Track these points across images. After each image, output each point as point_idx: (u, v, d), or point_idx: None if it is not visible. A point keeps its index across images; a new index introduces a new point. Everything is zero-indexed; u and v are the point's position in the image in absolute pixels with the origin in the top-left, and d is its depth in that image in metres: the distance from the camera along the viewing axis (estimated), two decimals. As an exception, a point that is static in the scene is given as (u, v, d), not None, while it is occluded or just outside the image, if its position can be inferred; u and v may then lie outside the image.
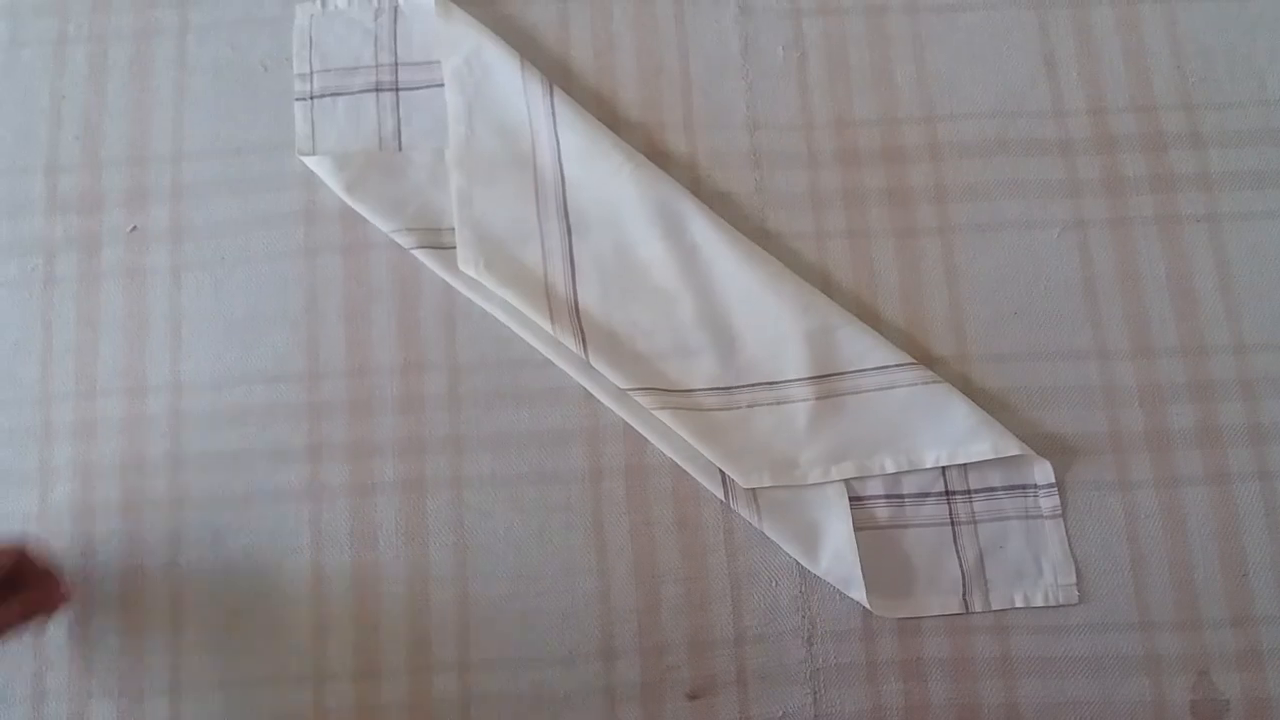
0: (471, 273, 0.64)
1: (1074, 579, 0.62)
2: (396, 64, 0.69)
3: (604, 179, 0.66)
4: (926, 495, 0.63)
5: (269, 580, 0.63)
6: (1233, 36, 0.71)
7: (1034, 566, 0.62)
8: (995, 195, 0.68)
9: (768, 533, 0.62)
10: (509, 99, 0.68)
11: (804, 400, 0.63)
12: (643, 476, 0.64)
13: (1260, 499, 0.64)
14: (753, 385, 0.64)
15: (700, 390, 0.64)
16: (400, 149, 0.68)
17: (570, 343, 0.63)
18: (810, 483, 0.63)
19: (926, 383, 0.63)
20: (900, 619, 0.62)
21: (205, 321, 0.67)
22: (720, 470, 0.63)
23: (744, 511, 0.63)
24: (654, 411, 0.63)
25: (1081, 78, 0.70)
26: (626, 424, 0.64)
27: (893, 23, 0.71)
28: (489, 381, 0.66)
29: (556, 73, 0.70)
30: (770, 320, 0.64)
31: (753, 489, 0.62)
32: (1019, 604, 0.62)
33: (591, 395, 0.65)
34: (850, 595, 0.61)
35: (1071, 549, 0.62)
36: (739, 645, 0.62)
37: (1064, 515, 0.63)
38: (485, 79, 0.68)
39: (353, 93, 0.69)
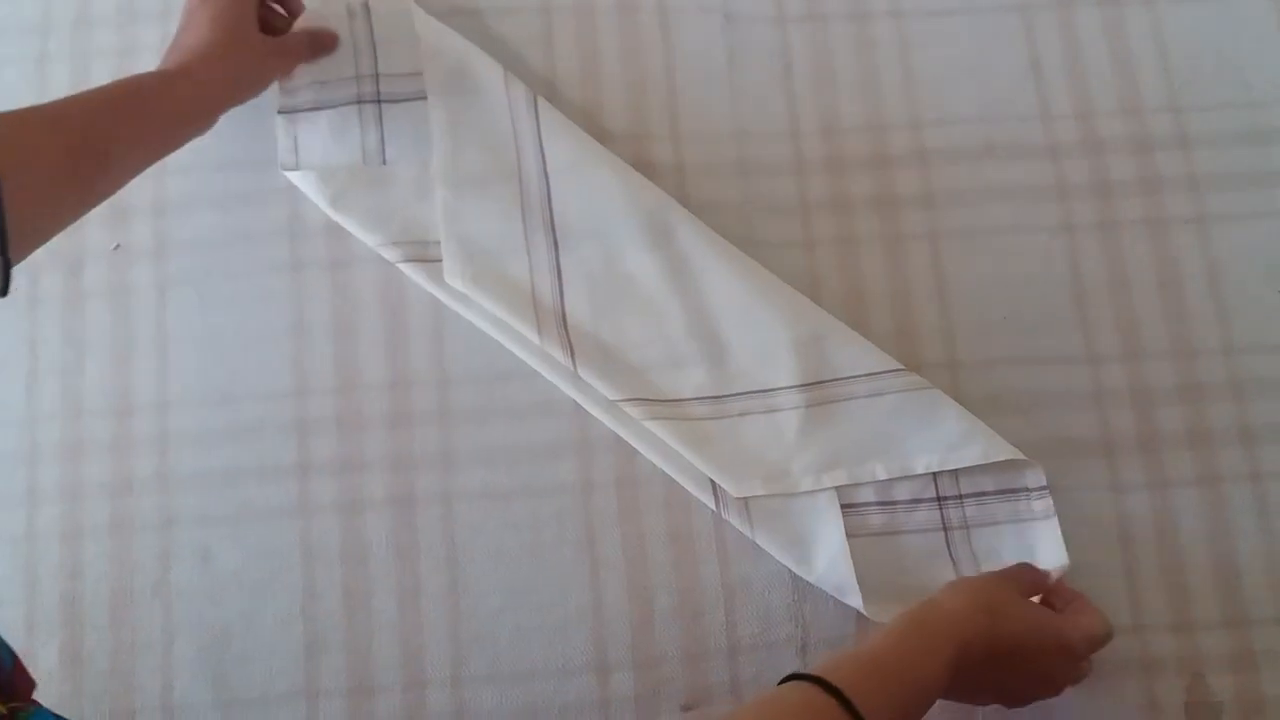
0: (458, 285, 0.64)
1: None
2: (378, 75, 0.69)
3: (590, 190, 0.66)
4: (919, 501, 0.63)
5: (259, 599, 0.63)
6: (1218, 38, 0.71)
7: None
8: (983, 200, 0.68)
9: (760, 542, 0.62)
10: (493, 112, 0.67)
11: (794, 408, 0.63)
12: (634, 488, 0.64)
13: (1252, 500, 0.64)
14: (743, 394, 0.64)
15: (690, 400, 0.64)
16: (385, 163, 0.68)
17: (558, 354, 0.63)
18: (802, 490, 0.63)
19: (916, 389, 0.63)
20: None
21: (191, 339, 0.66)
22: (711, 480, 0.63)
23: (735, 521, 0.62)
24: (644, 422, 0.62)
25: (1068, 81, 0.70)
26: (617, 435, 0.64)
27: (878, 29, 0.71)
28: (478, 395, 0.65)
29: (541, 84, 0.70)
30: (759, 329, 0.64)
31: (744, 498, 0.62)
32: None
33: (581, 407, 0.64)
34: (847, 602, 0.61)
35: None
36: (733, 655, 0.62)
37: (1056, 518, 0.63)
38: (469, 92, 0.68)
39: (335, 106, 0.68)
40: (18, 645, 0.63)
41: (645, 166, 0.68)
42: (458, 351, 0.66)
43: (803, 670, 0.46)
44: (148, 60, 0.70)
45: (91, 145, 0.53)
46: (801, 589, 0.62)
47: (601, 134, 0.68)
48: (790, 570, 0.62)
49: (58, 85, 0.70)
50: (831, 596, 0.62)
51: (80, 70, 0.71)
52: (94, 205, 0.56)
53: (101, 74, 0.70)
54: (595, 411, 0.64)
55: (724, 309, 0.65)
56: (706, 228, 0.66)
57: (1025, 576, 0.58)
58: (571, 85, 0.70)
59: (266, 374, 0.66)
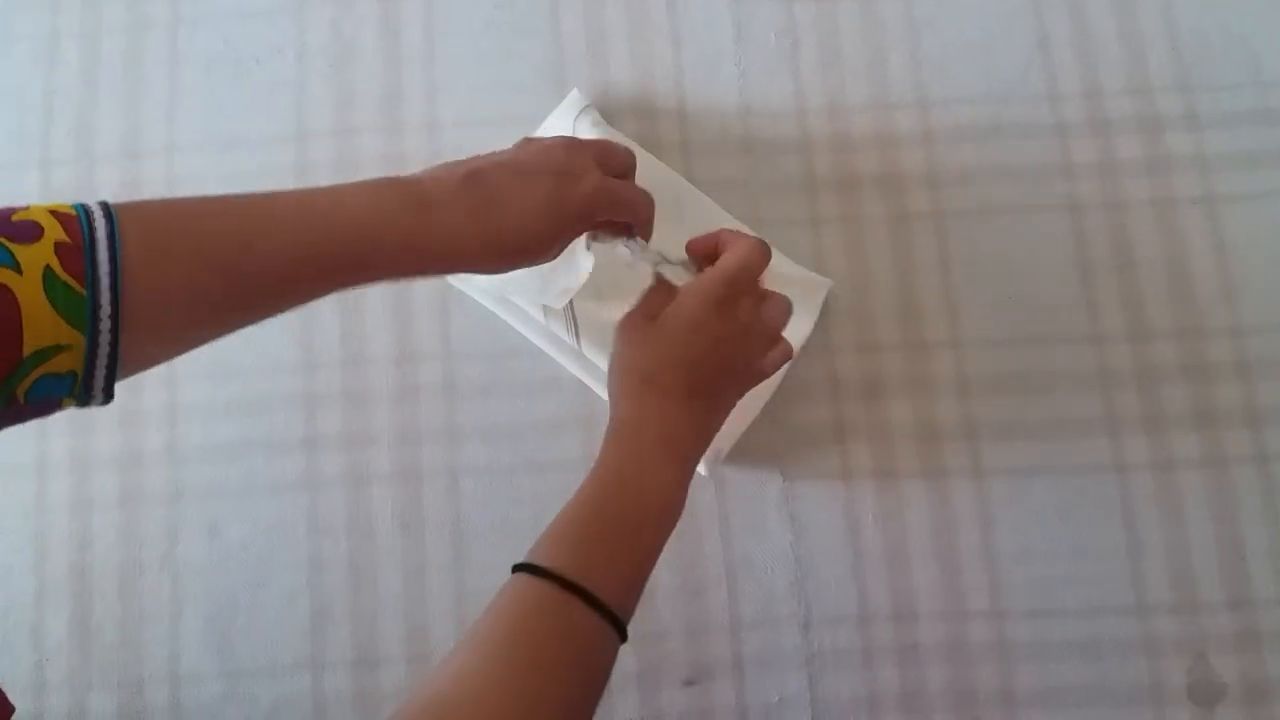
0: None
1: None
2: None
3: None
4: None
5: (266, 571, 0.63)
6: (1228, 17, 0.70)
7: None
8: (990, 180, 0.68)
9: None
10: None
11: None
12: (638, 464, 0.64)
13: (1257, 481, 0.63)
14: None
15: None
16: None
17: (562, 332, 0.63)
18: None
19: None
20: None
21: (199, 314, 0.67)
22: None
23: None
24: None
25: (1076, 61, 0.70)
26: (621, 412, 0.64)
27: (885, 8, 0.71)
28: (483, 371, 0.66)
29: (550, 65, 0.70)
30: None
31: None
32: None
33: (585, 384, 0.65)
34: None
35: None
36: (735, 631, 0.62)
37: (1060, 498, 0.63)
38: None
39: None
40: (26, 616, 0.64)
41: (651, 143, 0.68)
42: (463, 328, 0.66)
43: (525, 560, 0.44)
44: (158, 37, 0.70)
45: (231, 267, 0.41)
46: (805, 567, 0.63)
47: (609, 113, 0.68)
48: (793, 548, 0.62)
49: (68, 62, 0.71)
50: (834, 575, 0.62)
51: (90, 47, 0.71)
52: (226, 333, 0.44)
53: (111, 51, 0.71)
54: (599, 389, 0.64)
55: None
56: (714, 204, 0.66)
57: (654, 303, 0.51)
58: (578, 63, 0.70)
59: (274, 348, 0.66)
